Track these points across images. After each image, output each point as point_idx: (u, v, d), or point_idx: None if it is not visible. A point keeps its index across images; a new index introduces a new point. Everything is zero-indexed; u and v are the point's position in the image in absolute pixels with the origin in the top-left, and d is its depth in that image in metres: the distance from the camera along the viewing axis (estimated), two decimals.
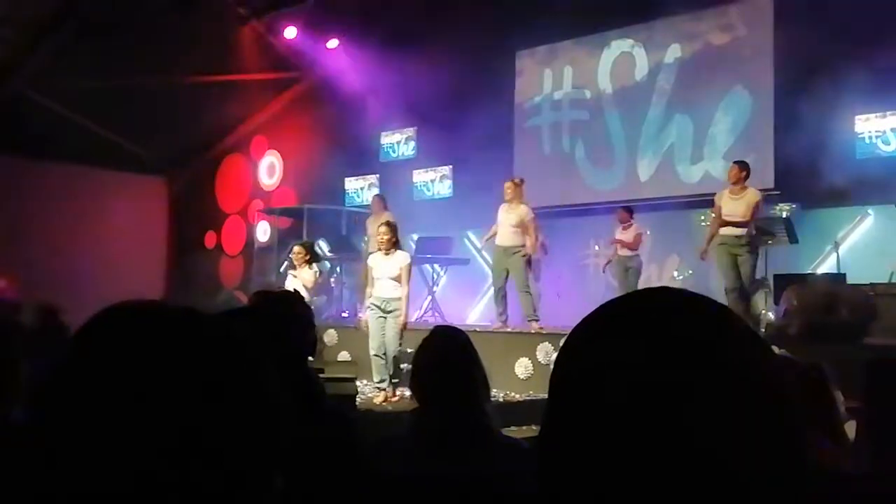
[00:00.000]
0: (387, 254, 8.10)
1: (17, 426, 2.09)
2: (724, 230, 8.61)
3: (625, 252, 10.37)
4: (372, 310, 8.18)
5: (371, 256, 8.48)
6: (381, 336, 8.08)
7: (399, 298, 8.05)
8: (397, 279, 8.05)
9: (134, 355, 0.75)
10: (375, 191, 14.41)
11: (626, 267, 10.37)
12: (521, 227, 9.37)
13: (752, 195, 8.57)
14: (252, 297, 3.01)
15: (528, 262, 9.53)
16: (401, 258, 8.09)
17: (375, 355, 8.16)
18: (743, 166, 8.69)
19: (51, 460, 0.72)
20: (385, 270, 8.09)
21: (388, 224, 8.25)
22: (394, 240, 8.09)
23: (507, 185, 9.57)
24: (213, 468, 0.73)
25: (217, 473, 0.74)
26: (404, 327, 8.08)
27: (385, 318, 8.08)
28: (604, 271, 11.02)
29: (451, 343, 2.75)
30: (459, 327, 3.35)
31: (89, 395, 0.74)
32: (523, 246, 9.38)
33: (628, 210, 10.50)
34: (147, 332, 0.78)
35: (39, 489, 0.73)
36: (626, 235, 10.38)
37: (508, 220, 9.41)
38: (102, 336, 0.78)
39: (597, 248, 12.00)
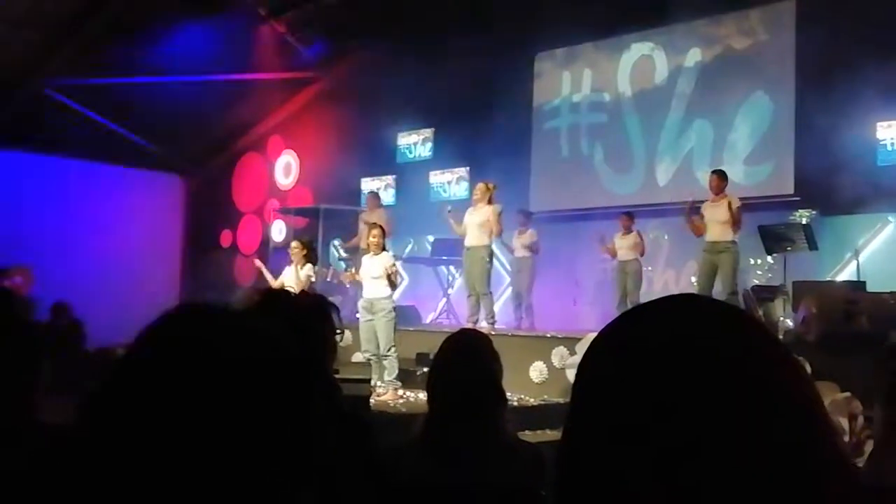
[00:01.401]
0: (374, 255, 8.35)
1: (38, 425, 2.09)
2: (707, 237, 8.95)
3: (625, 257, 10.30)
4: (360, 313, 8.43)
5: (364, 258, 8.77)
6: (373, 339, 8.23)
7: (384, 298, 8.23)
8: (381, 279, 8.25)
9: (208, 361, 0.75)
10: (392, 191, 14.47)
11: (624, 271, 10.30)
12: (486, 225, 9.47)
13: (729, 199, 8.89)
14: (264, 295, 2.97)
15: (490, 262, 9.64)
16: (384, 258, 8.34)
17: (368, 358, 8.35)
18: (722, 176, 9.06)
19: (113, 463, 0.72)
20: (370, 271, 8.34)
21: (380, 227, 8.53)
22: (382, 242, 8.39)
23: (479, 186, 9.74)
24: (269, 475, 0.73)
25: (271, 479, 0.73)
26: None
27: (372, 319, 8.23)
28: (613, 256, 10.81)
29: (473, 346, 2.72)
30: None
31: (156, 398, 0.74)
32: (487, 246, 9.50)
33: (630, 215, 10.43)
34: (223, 338, 0.77)
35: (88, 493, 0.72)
36: (626, 241, 10.30)
37: (473, 221, 9.57)
38: (173, 339, 0.78)
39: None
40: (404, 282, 12.53)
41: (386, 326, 8.14)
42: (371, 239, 8.42)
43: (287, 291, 3.25)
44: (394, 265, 8.42)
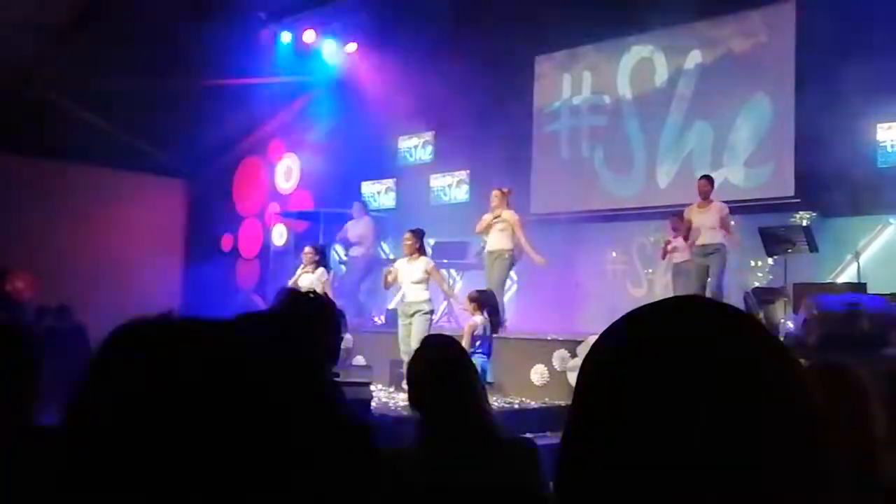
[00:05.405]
0: (413, 260, 8.50)
1: (38, 429, 2.09)
2: (697, 241, 9.23)
3: (680, 258, 9.99)
4: (399, 315, 8.60)
5: (398, 262, 8.97)
6: (409, 339, 8.30)
7: (423, 301, 8.38)
8: (419, 283, 8.40)
9: (150, 375, 0.75)
10: (392, 195, 14.48)
11: (680, 273, 10.00)
12: (507, 229, 9.62)
13: (719, 205, 9.21)
14: (283, 296, 2.99)
15: (511, 266, 9.80)
16: (423, 262, 8.50)
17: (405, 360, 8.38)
18: (710, 180, 9.34)
19: (74, 472, 0.72)
20: (409, 275, 8.49)
21: (412, 231, 8.64)
22: (417, 245, 8.55)
23: (495, 193, 9.90)
24: (227, 480, 0.72)
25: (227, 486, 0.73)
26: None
27: (410, 322, 8.35)
28: (663, 257, 10.50)
29: (441, 352, 2.76)
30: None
31: (110, 411, 0.74)
32: (509, 250, 9.61)
33: (681, 217, 9.97)
34: (161, 351, 0.77)
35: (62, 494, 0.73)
36: (681, 242, 10.00)
37: (496, 226, 9.68)
38: (120, 357, 0.78)
39: (614, 254, 11.95)
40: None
41: (421, 327, 8.23)
42: (405, 243, 8.62)
43: (301, 293, 3.26)
44: (433, 267, 8.60)
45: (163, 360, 0.76)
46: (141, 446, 0.72)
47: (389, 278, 8.89)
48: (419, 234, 8.69)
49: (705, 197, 9.22)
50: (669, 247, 10.12)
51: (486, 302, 8.22)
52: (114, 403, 0.74)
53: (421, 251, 8.64)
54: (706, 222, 9.12)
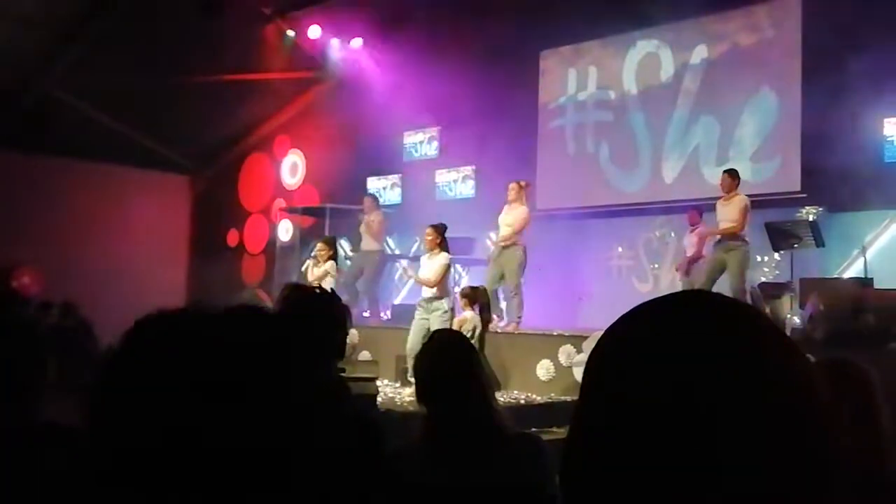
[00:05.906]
0: (430, 255, 8.52)
1: (42, 426, 2.10)
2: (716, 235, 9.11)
3: (691, 252, 9.98)
4: (417, 309, 8.59)
5: (422, 258, 8.99)
6: (420, 336, 8.25)
7: (441, 298, 8.40)
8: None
9: (168, 368, 0.75)
10: (398, 190, 14.49)
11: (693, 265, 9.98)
12: (518, 226, 9.55)
13: (740, 199, 8.95)
14: (287, 292, 2.97)
15: (525, 260, 9.62)
16: (440, 259, 8.47)
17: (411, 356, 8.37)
18: (734, 175, 9.10)
19: (97, 463, 0.72)
20: (425, 271, 8.52)
21: (433, 226, 8.60)
22: (438, 241, 8.51)
23: (512, 185, 9.79)
24: (240, 468, 0.72)
25: (241, 474, 0.73)
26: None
27: (428, 318, 8.35)
28: (678, 270, 10.35)
29: (450, 347, 2.76)
30: None
31: (131, 408, 0.74)
32: (518, 245, 9.52)
33: (699, 211, 10.04)
34: (179, 344, 0.77)
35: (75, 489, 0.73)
36: (692, 239, 10.01)
37: (506, 221, 9.62)
38: (139, 350, 0.78)
39: (620, 250, 11.94)
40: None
41: (441, 326, 8.19)
42: (426, 238, 8.59)
43: (306, 288, 3.24)
44: (442, 266, 8.52)
45: (187, 355, 0.76)
46: (147, 443, 0.72)
47: None
48: (440, 230, 8.59)
49: (727, 191, 9.03)
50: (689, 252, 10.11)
51: (477, 298, 8.23)
52: (137, 396, 0.74)
53: (442, 247, 8.54)
54: (727, 216, 8.92)
